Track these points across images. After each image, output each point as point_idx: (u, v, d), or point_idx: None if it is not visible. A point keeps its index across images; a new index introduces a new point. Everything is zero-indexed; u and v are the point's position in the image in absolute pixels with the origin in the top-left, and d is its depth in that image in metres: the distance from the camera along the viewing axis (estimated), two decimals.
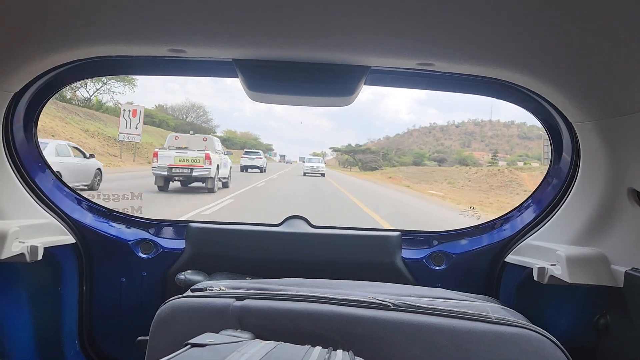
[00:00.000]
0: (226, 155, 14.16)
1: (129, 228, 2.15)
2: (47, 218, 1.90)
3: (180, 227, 2.18)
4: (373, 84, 1.82)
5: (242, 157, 22.66)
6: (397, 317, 1.34)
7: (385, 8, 1.13)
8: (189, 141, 12.82)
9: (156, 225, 2.18)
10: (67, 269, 1.95)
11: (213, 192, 12.21)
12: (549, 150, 2.00)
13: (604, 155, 1.54)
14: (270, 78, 1.63)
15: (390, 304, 1.37)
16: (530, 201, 2.09)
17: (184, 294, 1.49)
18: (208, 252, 2.08)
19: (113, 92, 26.47)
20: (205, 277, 1.97)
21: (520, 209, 2.13)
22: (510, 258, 1.98)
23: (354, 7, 1.14)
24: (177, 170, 11.65)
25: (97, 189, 11.88)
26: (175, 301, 1.44)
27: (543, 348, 1.29)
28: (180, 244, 2.09)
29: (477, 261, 2.07)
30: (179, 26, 1.33)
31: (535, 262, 1.73)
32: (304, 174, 24.42)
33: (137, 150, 21.46)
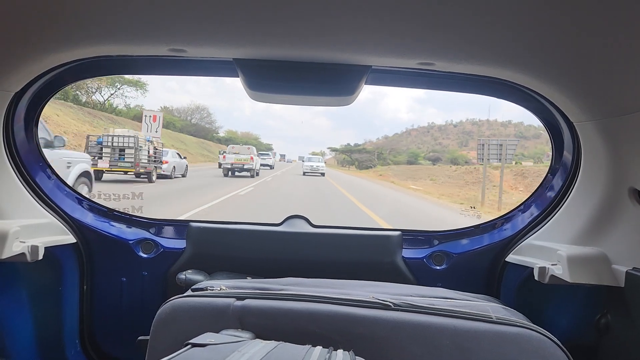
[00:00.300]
0: (258, 157, 23.56)
1: (130, 228, 2.15)
2: (47, 218, 1.90)
3: (181, 227, 2.18)
4: (374, 83, 1.82)
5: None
6: (397, 316, 1.34)
7: (386, 8, 1.13)
8: (240, 149, 21.92)
9: (157, 225, 2.18)
10: (68, 268, 1.95)
11: (254, 177, 20.83)
12: (552, 150, 2.00)
13: (605, 155, 1.54)
14: (271, 78, 1.63)
15: (390, 304, 1.37)
16: (531, 201, 2.09)
17: (185, 294, 1.48)
18: (209, 251, 2.08)
19: (126, 96, 29.30)
20: (206, 277, 1.97)
21: (521, 208, 2.13)
22: (511, 258, 1.98)
23: (355, 6, 1.14)
24: (236, 165, 20.50)
25: (186, 176, 19.08)
26: (176, 301, 1.44)
27: (544, 348, 1.29)
28: (180, 244, 2.09)
29: (477, 261, 2.07)
30: (180, 26, 1.32)
31: (536, 262, 1.73)
32: (304, 174, 24.71)
33: None
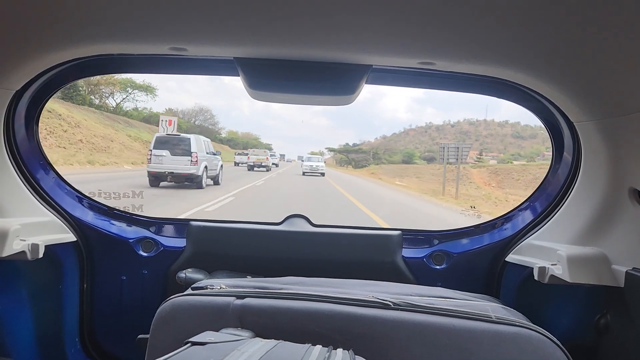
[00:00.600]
0: (272, 156, 30.09)
1: (130, 226, 2.15)
2: (48, 216, 1.90)
3: (181, 226, 2.18)
4: (374, 83, 1.82)
5: None
6: (397, 316, 1.34)
7: (387, 7, 1.13)
8: (258, 152, 28.93)
9: (157, 224, 2.18)
10: (68, 266, 1.95)
11: (269, 171, 26.61)
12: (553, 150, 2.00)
13: (605, 155, 1.54)
14: (271, 76, 1.63)
15: (390, 303, 1.37)
16: (531, 201, 2.09)
17: (185, 292, 1.49)
18: (209, 250, 2.08)
19: (136, 100, 31.64)
20: (206, 276, 1.97)
21: (521, 208, 2.13)
22: (511, 257, 1.98)
23: (356, 6, 1.14)
24: (257, 163, 26.58)
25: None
26: (176, 299, 1.44)
27: (543, 348, 1.29)
28: (181, 243, 2.10)
29: (477, 260, 2.07)
30: (181, 24, 1.32)
31: (536, 262, 1.73)
32: (303, 174, 25.14)
33: None
